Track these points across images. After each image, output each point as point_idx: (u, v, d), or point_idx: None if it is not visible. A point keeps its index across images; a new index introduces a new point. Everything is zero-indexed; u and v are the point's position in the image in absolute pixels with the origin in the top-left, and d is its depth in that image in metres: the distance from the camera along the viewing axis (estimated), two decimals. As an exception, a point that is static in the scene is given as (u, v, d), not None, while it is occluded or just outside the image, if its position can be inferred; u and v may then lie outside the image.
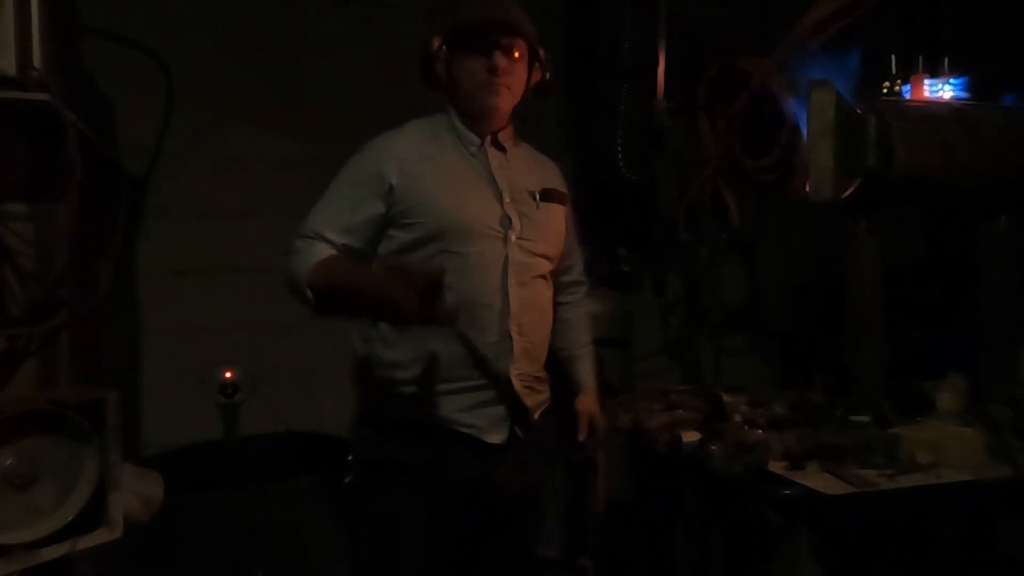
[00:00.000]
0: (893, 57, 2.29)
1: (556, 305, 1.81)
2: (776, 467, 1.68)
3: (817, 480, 1.61)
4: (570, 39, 3.15)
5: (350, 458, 1.74)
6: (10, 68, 1.46)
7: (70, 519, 1.48)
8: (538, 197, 1.69)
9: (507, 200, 1.64)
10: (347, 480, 1.73)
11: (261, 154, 2.67)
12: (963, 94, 2.21)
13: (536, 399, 1.70)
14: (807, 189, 2.00)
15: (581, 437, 1.80)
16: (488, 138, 1.68)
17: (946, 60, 2.25)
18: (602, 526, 2.66)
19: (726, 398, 2.10)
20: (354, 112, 2.61)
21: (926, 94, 2.22)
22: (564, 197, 1.78)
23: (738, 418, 1.97)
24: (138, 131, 2.57)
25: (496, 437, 1.62)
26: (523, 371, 1.64)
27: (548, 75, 1.75)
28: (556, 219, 1.73)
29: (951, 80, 2.22)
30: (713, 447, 1.72)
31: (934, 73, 2.24)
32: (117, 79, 2.45)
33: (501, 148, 1.70)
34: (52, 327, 1.57)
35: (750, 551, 1.81)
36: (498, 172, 1.66)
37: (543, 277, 1.70)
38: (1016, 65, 2.45)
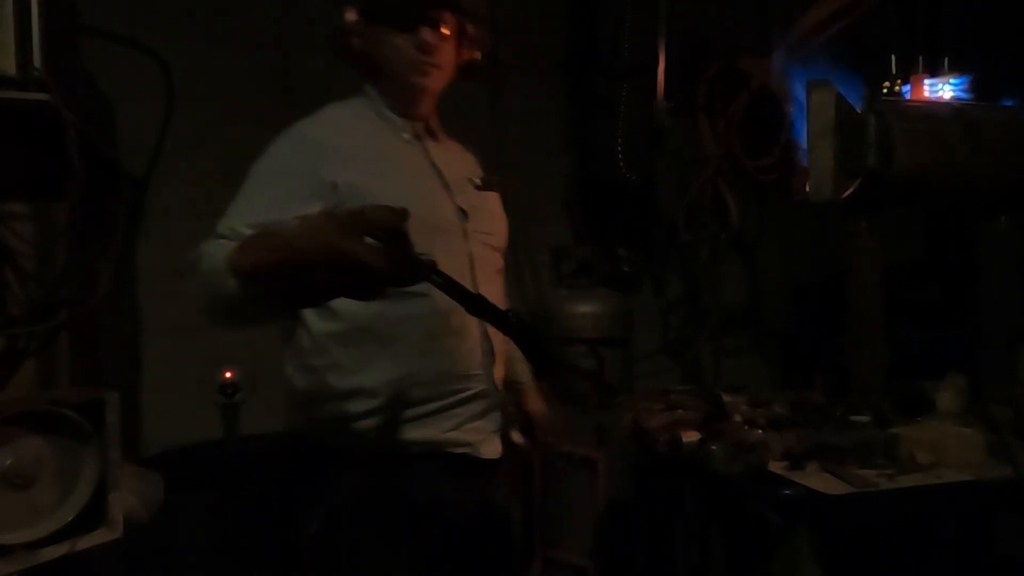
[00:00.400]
0: (893, 57, 2.29)
1: None
2: (776, 467, 1.68)
3: (817, 480, 1.60)
4: (570, 39, 3.15)
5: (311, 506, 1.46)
6: (10, 68, 1.47)
7: (70, 519, 1.48)
8: (478, 185, 1.54)
9: (453, 189, 1.47)
10: (311, 532, 1.39)
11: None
12: (963, 94, 2.21)
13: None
14: (807, 189, 2.00)
15: (539, 437, 1.72)
16: (421, 124, 1.50)
17: (946, 60, 2.25)
18: (602, 526, 2.66)
19: (726, 398, 2.10)
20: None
21: (926, 94, 2.22)
22: (495, 184, 1.62)
23: (738, 418, 1.97)
24: (138, 131, 2.57)
25: (492, 451, 1.48)
26: (501, 375, 1.51)
27: (478, 53, 1.54)
28: (499, 208, 1.59)
29: (951, 80, 2.21)
30: (713, 447, 1.72)
31: (934, 73, 2.24)
32: (117, 79, 2.45)
33: (431, 134, 1.52)
34: (52, 327, 1.57)
35: (750, 551, 1.81)
36: (437, 160, 1.49)
37: (499, 272, 1.56)
38: (1016, 65, 2.45)
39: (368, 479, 1.36)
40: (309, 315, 1.38)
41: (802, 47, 2.32)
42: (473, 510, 1.45)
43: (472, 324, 1.40)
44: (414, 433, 1.38)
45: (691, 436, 1.84)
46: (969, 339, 2.20)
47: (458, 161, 1.55)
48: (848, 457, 1.68)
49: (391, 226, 0.96)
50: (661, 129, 2.85)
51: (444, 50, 1.44)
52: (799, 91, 2.13)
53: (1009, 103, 2.16)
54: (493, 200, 1.57)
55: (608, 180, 3.04)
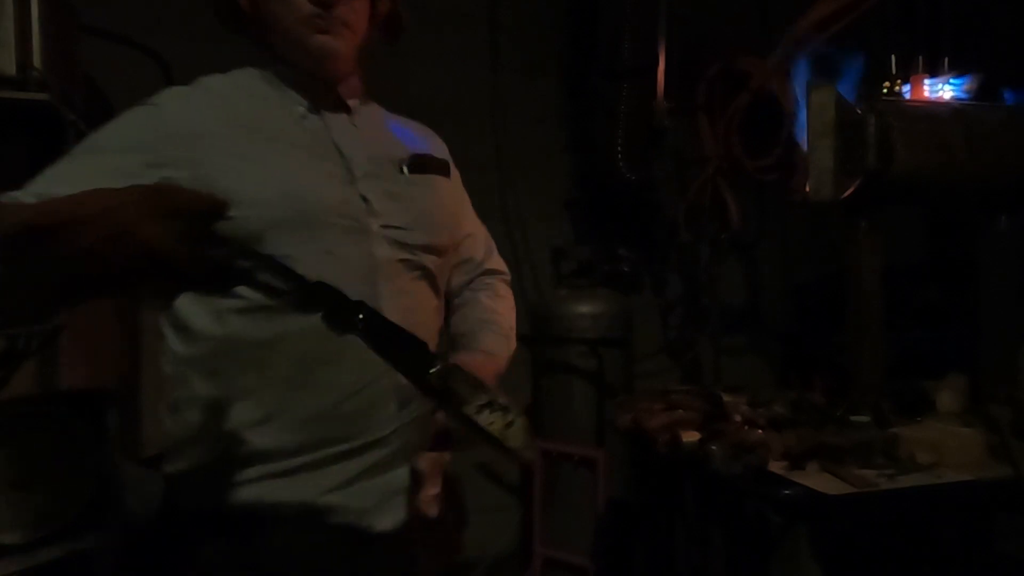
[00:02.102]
0: (893, 57, 2.29)
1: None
2: (776, 467, 1.68)
3: (817, 480, 1.60)
4: (570, 39, 3.15)
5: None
6: (10, 68, 1.47)
7: (70, 519, 1.48)
8: (406, 168, 1.24)
9: (359, 174, 1.18)
10: None
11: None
12: (963, 94, 2.21)
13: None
14: (807, 189, 2.00)
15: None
16: (329, 95, 1.22)
17: (946, 60, 2.25)
18: (602, 526, 2.66)
19: (726, 398, 2.10)
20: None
21: (926, 94, 2.22)
22: (445, 166, 1.33)
23: (738, 418, 1.97)
24: (138, 131, 2.57)
25: (388, 520, 1.14)
26: (418, 415, 1.17)
27: (395, 5, 1.28)
28: (439, 195, 1.28)
29: (951, 80, 2.22)
30: (713, 447, 1.72)
31: (934, 73, 2.24)
32: (117, 79, 2.45)
33: (342, 107, 1.23)
34: (52, 327, 1.57)
35: (750, 551, 1.80)
36: (342, 137, 1.20)
37: (427, 278, 1.23)
38: (1016, 65, 2.45)
39: (223, 554, 1.09)
40: (169, 334, 1.13)
41: (802, 47, 2.31)
42: None
43: (365, 352, 0.98)
44: (281, 493, 1.09)
45: (691, 436, 1.84)
46: (969, 339, 2.20)
47: (381, 139, 1.26)
48: (848, 457, 1.68)
49: (200, 213, 0.79)
50: (661, 129, 2.85)
51: (351, 4, 1.18)
52: (799, 91, 2.13)
53: (1009, 103, 2.16)
54: (428, 186, 1.26)
55: (608, 180, 3.04)
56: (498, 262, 1.46)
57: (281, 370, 1.09)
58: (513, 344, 1.36)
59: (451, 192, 1.33)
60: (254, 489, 1.09)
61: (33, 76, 1.47)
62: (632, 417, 2.07)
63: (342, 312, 0.88)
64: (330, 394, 1.11)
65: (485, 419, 0.90)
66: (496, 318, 1.36)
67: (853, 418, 1.92)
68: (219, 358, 1.10)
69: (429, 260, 1.23)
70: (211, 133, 1.11)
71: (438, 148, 1.36)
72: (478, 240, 1.42)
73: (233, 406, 1.10)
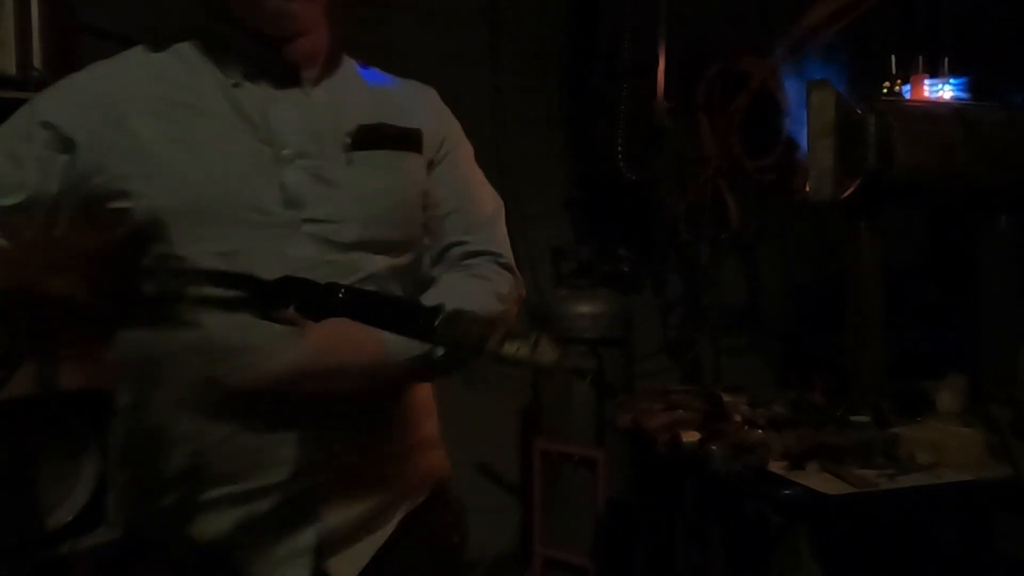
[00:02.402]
0: (893, 57, 2.29)
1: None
2: (776, 467, 1.68)
3: (817, 480, 1.60)
4: (570, 39, 3.15)
5: None
6: (10, 68, 1.47)
7: (70, 519, 1.48)
8: (351, 143, 1.01)
9: (286, 155, 0.98)
10: None
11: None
12: (963, 94, 2.21)
13: (376, 507, 1.02)
14: (807, 189, 2.00)
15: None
16: (270, 59, 1.01)
17: (946, 60, 2.25)
18: (602, 526, 2.66)
19: (726, 398, 2.10)
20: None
21: (926, 94, 2.22)
22: (411, 138, 1.07)
23: (738, 418, 1.97)
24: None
25: None
26: (346, 459, 0.97)
27: None
28: (391, 177, 1.04)
29: (951, 80, 2.22)
30: (713, 447, 1.72)
31: (934, 73, 2.24)
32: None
33: (292, 76, 1.02)
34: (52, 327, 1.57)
35: (750, 551, 1.80)
36: (279, 110, 0.99)
37: (376, 285, 1.00)
38: (1016, 65, 2.45)
39: None
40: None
41: (802, 47, 2.31)
42: None
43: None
44: (168, 530, 0.98)
45: (691, 436, 1.84)
46: (969, 339, 2.20)
47: (341, 110, 1.04)
48: (848, 457, 1.68)
49: (110, 249, 0.73)
50: (661, 129, 2.85)
51: None
52: (799, 91, 2.13)
53: (1009, 103, 2.16)
54: (379, 167, 1.03)
55: (608, 180, 3.04)
56: (495, 243, 1.14)
57: (174, 389, 0.94)
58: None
59: (415, 171, 1.07)
60: (147, 520, 1.00)
61: (33, 76, 1.47)
62: (632, 417, 2.07)
63: (314, 299, 0.84)
64: (221, 422, 0.93)
65: (510, 350, 0.83)
66: (452, 294, 1.01)
67: (853, 418, 1.92)
68: (129, 367, 0.99)
69: (373, 262, 1.00)
70: (119, 107, 0.95)
71: (426, 115, 1.11)
72: (464, 217, 1.12)
73: (130, 426, 1.00)
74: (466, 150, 1.18)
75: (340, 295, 0.85)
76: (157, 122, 0.95)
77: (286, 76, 1.02)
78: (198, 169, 0.94)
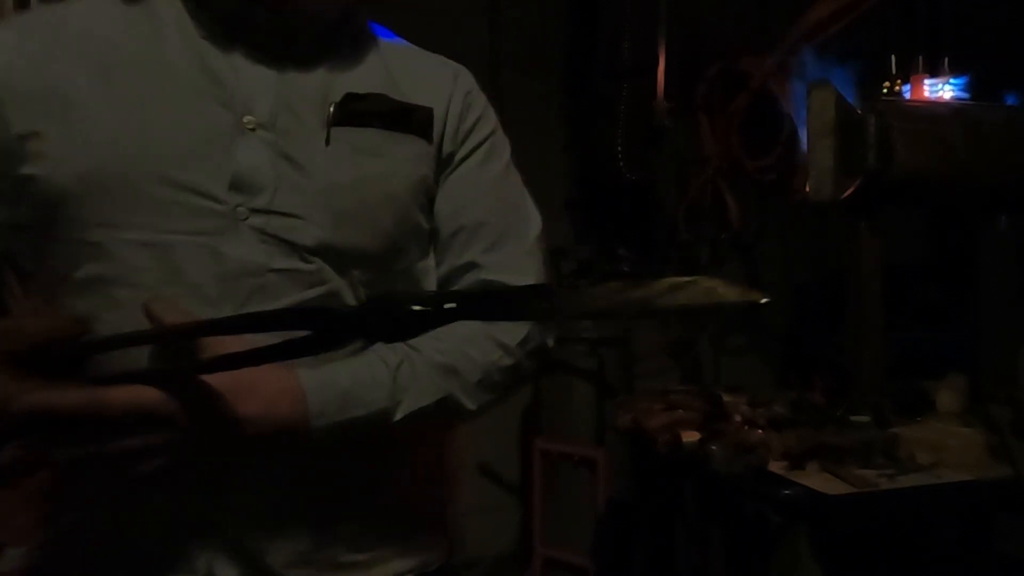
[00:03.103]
0: (893, 57, 2.29)
1: None
2: (776, 467, 1.68)
3: (817, 480, 1.60)
4: (570, 39, 3.15)
5: None
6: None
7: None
8: (332, 115, 0.79)
9: (250, 126, 0.76)
10: None
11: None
12: (963, 94, 2.21)
13: None
14: (807, 189, 2.00)
15: None
16: (254, 10, 0.79)
17: (946, 60, 2.25)
18: (602, 526, 2.66)
19: (726, 398, 2.10)
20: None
21: (926, 94, 2.22)
22: (424, 119, 0.85)
23: (738, 418, 1.97)
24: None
25: None
26: (296, 552, 0.76)
27: None
28: (386, 163, 0.81)
29: (951, 80, 2.22)
30: (713, 447, 1.72)
31: (934, 73, 2.24)
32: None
33: (282, 31, 0.80)
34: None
35: (750, 551, 1.80)
36: (250, 70, 0.79)
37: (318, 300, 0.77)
38: (1016, 65, 2.45)
39: None
40: None
41: (802, 47, 2.31)
42: None
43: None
44: None
45: (691, 436, 1.84)
46: (969, 339, 2.20)
47: (338, 76, 0.82)
48: (848, 457, 1.68)
49: (50, 331, 0.61)
50: (661, 129, 2.85)
51: None
52: (799, 91, 2.13)
53: (1009, 103, 2.16)
54: (364, 150, 0.80)
55: (608, 180, 3.04)
56: (527, 273, 0.87)
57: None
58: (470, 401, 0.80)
59: (415, 161, 0.84)
60: None
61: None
62: (632, 417, 2.07)
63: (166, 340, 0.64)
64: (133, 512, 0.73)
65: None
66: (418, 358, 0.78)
67: (853, 418, 1.92)
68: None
69: (338, 278, 0.77)
70: (52, 56, 0.76)
71: (449, 95, 0.88)
72: (489, 234, 0.87)
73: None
74: (502, 149, 0.94)
75: (417, 308, 0.55)
76: (94, 70, 0.75)
77: (273, 30, 0.80)
78: (130, 128, 0.73)
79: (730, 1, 3.16)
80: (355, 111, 0.80)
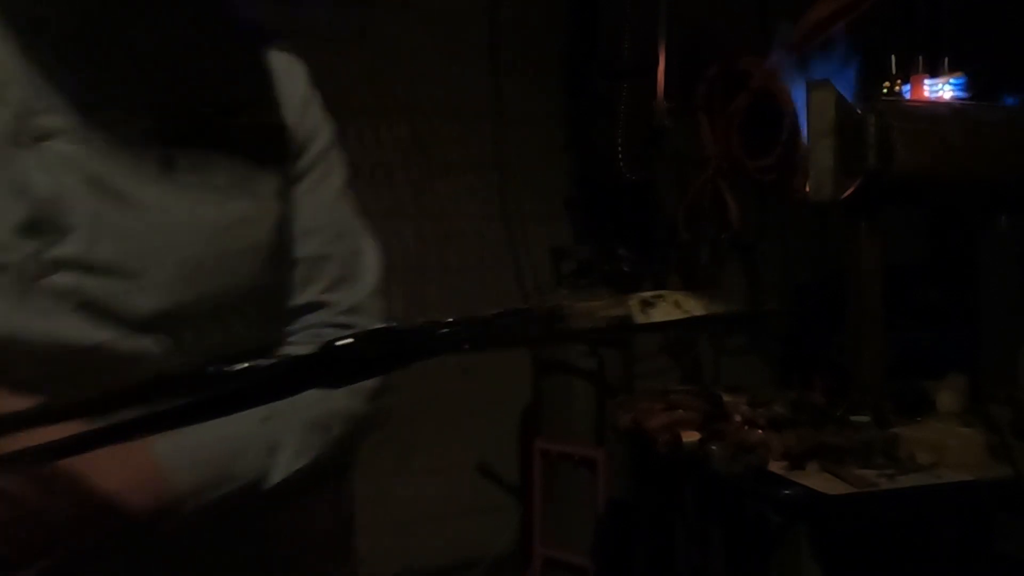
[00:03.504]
0: (893, 57, 2.29)
1: None
2: (776, 467, 1.68)
3: (817, 480, 1.60)
4: (570, 39, 3.15)
5: None
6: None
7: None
8: (174, 132, 0.62)
9: (45, 134, 0.57)
10: None
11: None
12: (963, 94, 2.21)
13: None
14: (807, 189, 2.00)
15: None
16: None
17: (946, 60, 2.25)
18: (602, 526, 2.66)
19: (726, 398, 2.10)
20: (351, 111, 2.61)
21: (926, 94, 2.22)
22: (280, 138, 0.71)
23: (738, 418, 1.97)
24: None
25: None
26: None
27: None
28: (248, 203, 0.67)
29: (951, 80, 2.22)
30: (713, 447, 1.72)
31: (934, 73, 2.24)
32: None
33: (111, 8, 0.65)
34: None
35: (750, 551, 1.80)
36: (54, 53, 0.61)
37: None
38: (1016, 65, 2.45)
39: None
40: None
41: (802, 46, 2.31)
42: None
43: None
44: None
45: (691, 436, 1.84)
46: (969, 339, 2.20)
47: (176, 71, 0.66)
48: (848, 457, 1.68)
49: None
50: (661, 129, 2.85)
51: None
52: (799, 91, 2.13)
53: (1009, 103, 2.16)
54: (224, 183, 0.64)
55: (608, 180, 3.04)
56: (373, 316, 0.73)
57: None
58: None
59: (274, 195, 0.68)
60: None
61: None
62: (632, 417, 2.07)
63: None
64: None
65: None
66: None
67: (853, 418, 1.92)
68: None
69: (175, 352, 0.61)
70: None
71: (289, 100, 0.73)
72: (334, 267, 0.74)
73: None
74: (340, 163, 0.76)
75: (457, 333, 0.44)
76: None
77: (104, 12, 0.61)
78: None
79: (730, 1, 3.16)
80: (207, 127, 0.64)
